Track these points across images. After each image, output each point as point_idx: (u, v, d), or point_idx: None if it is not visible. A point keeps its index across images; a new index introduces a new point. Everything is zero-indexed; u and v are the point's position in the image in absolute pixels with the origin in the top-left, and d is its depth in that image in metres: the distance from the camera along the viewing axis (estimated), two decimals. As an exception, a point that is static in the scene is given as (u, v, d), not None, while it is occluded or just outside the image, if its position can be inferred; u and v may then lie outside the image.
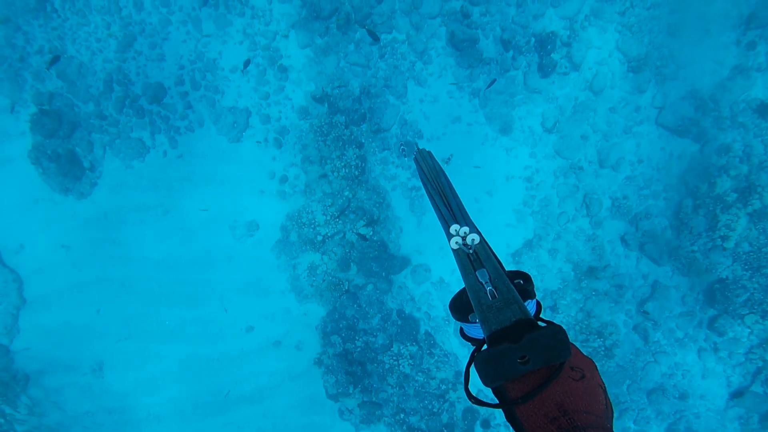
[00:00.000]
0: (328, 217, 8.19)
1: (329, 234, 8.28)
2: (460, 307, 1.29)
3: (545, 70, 8.34)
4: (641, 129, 8.51)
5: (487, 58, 8.50)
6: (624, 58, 8.39)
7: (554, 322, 1.12)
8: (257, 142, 8.67)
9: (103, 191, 8.82)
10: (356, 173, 8.22)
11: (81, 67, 8.57)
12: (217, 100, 8.62)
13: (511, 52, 8.47)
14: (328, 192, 8.30)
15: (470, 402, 1.19)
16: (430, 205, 1.40)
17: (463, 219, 1.34)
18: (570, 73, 8.44)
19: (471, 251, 1.22)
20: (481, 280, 1.17)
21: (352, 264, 8.38)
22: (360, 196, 8.39)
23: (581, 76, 8.48)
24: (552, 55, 8.27)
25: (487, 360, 1.05)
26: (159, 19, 8.48)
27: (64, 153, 8.46)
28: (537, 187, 8.73)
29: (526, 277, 1.27)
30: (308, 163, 8.53)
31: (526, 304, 1.24)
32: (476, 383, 1.16)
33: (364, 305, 8.37)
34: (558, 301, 8.56)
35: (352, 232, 8.31)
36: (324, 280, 8.36)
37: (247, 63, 8.14)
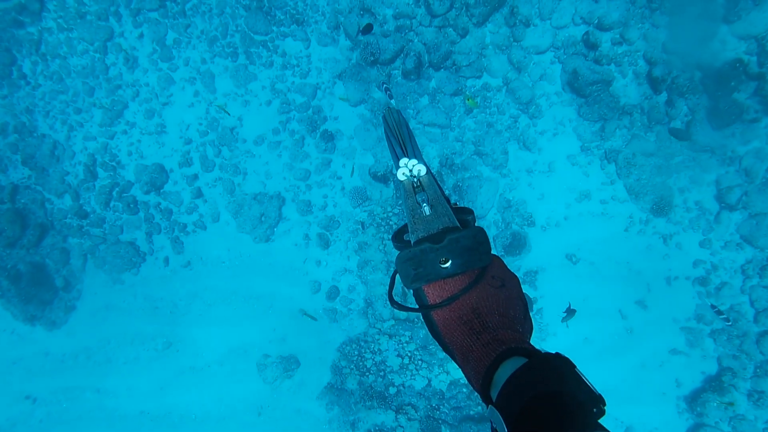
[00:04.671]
0: (406, 360, 5.35)
1: (407, 383, 5.41)
2: (401, 236, 1.25)
3: (722, 117, 5.48)
4: None
5: (627, 106, 5.73)
6: None
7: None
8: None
9: (83, 318, 6.30)
10: (443, 287, 5.40)
11: (55, 149, 6.25)
12: (237, 185, 6.09)
13: (664, 95, 5.68)
14: (401, 317, 5.50)
15: (391, 306, 1.20)
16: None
17: (415, 156, 1.26)
18: (762, 119, 5.55)
19: (416, 180, 1.22)
20: (418, 200, 1.19)
21: (443, 427, 5.44)
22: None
23: (777, 123, 5.58)
24: (734, 94, 5.43)
25: (407, 258, 1.07)
26: (158, 78, 6.14)
27: (27, 270, 6.01)
28: (717, 292, 5.71)
29: (468, 210, 1.22)
30: (369, 269, 5.81)
31: None
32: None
33: (464, 492, 5.37)
34: (777, 481, 5.35)
35: (442, 375, 5.43)
36: (401, 452, 5.44)
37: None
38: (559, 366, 0.82)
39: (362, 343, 5.68)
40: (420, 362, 5.36)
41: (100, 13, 6.10)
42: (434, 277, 1.07)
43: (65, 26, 6.17)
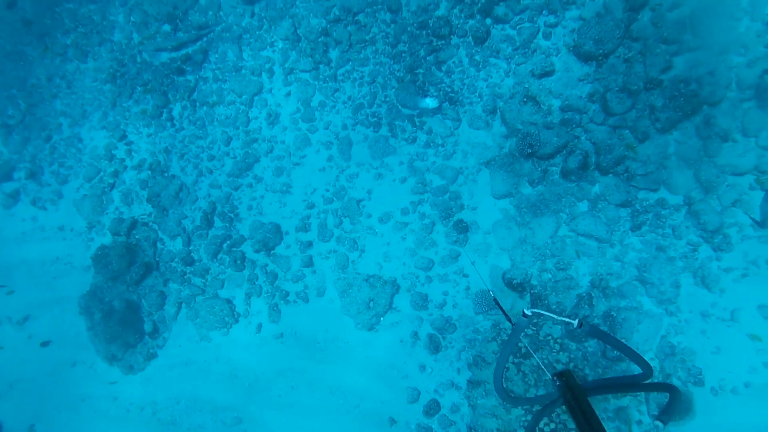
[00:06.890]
0: None
1: None
2: None
3: None
4: None
5: None
6: None
7: None
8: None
9: (161, 369, 5.86)
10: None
11: (181, 191, 6.18)
12: (351, 261, 5.53)
13: None
14: (520, 468, 4.35)
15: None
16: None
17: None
18: None
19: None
20: None
21: None
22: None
23: None
24: None
25: None
26: (295, 138, 5.95)
27: (121, 307, 5.76)
28: None
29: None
30: (481, 392, 4.80)
31: None
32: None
33: None
34: None
35: None
36: None
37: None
38: None
39: (460, 485, 4.56)
40: None
41: (255, 68, 6.16)
42: None
43: (220, 77, 6.29)
